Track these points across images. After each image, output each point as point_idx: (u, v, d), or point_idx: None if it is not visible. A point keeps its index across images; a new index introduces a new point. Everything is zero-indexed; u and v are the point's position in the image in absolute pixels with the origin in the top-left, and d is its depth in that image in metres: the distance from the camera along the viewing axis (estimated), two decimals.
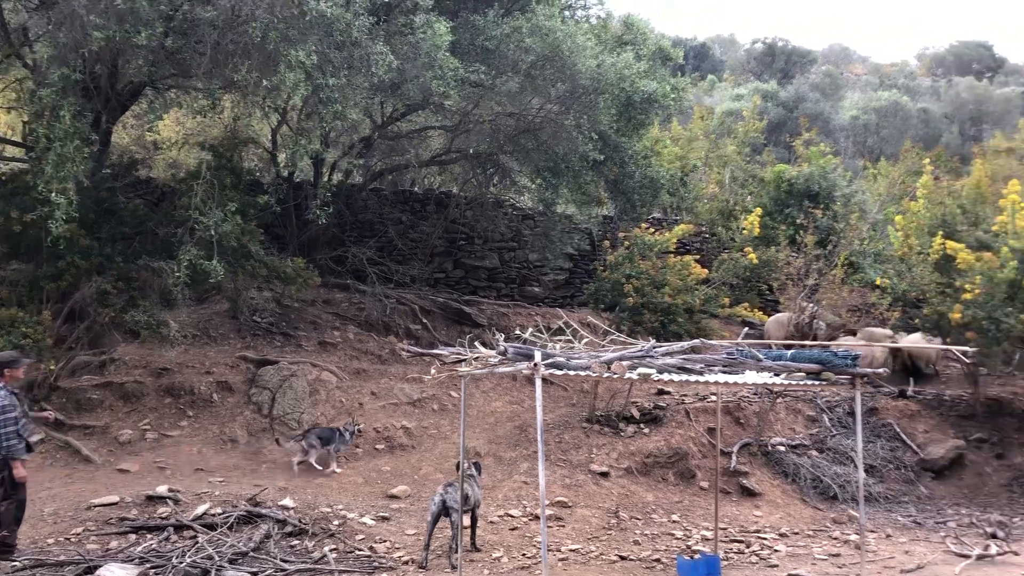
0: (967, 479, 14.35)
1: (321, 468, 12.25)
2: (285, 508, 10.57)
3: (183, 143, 14.83)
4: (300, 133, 13.18)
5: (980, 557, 10.49)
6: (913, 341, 15.67)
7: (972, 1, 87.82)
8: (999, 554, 10.62)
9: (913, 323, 16.46)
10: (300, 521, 10.31)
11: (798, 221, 18.19)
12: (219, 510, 10.30)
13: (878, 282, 16.53)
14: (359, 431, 12.89)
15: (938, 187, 16.78)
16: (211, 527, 9.87)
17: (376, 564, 9.45)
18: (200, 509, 10.29)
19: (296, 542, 9.95)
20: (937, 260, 15.09)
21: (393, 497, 11.66)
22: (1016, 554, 10.74)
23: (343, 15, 11.01)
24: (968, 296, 14.02)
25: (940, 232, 15.32)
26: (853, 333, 16.58)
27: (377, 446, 13.13)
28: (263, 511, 10.27)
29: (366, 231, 17.63)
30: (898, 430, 15.07)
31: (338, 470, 12.35)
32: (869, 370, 8.80)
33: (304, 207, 16.15)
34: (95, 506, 10.35)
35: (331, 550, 9.73)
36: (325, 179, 16.13)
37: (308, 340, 15.50)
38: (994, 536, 11.51)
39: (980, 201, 16.38)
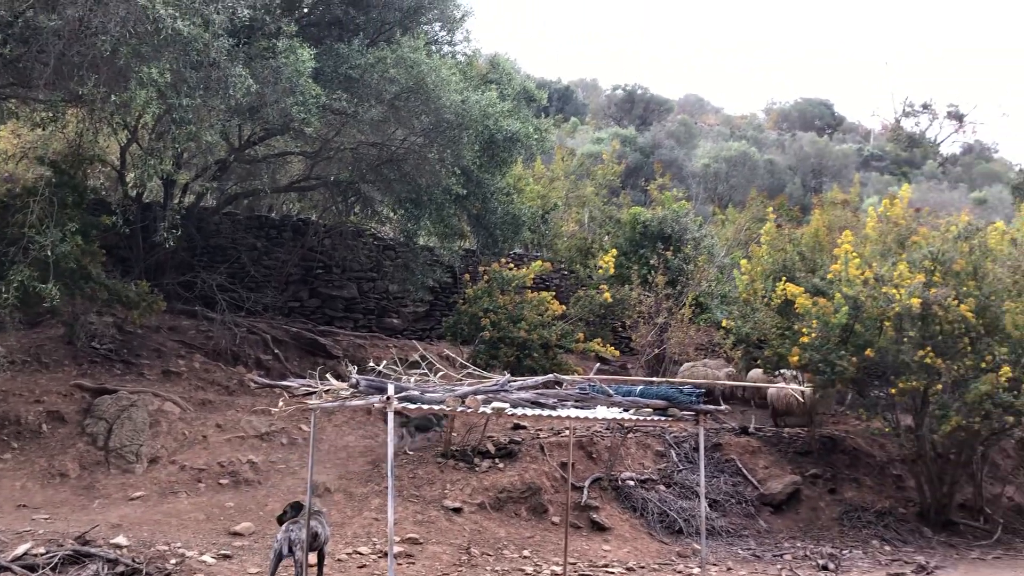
0: (803, 513, 15.06)
1: None
2: (118, 547, 9.95)
3: (21, 157, 13.94)
4: (151, 153, 12.63)
5: None
6: (752, 378, 16.39)
7: (815, 61, 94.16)
8: None
9: (755, 363, 17.24)
10: (134, 560, 9.72)
11: (651, 262, 18.80)
12: (42, 550, 9.58)
13: (724, 323, 17.24)
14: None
15: (780, 234, 17.70)
16: (32, 568, 9.16)
17: None
18: (21, 549, 9.53)
19: None
20: (778, 304, 15.87)
21: (236, 534, 11.19)
22: None
23: (201, 34, 10.68)
24: (805, 339, 14.79)
25: (783, 277, 16.16)
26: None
27: (221, 480, 12.58)
28: (92, 550, 9.62)
29: (218, 256, 17.02)
30: (740, 466, 15.68)
31: None
32: (712, 407, 9.12)
33: (153, 229, 15.44)
34: None
35: None
36: (176, 201, 15.52)
37: (151, 369, 14.77)
38: (825, 568, 12.11)
39: (818, 249, 17.37)
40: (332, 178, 15.98)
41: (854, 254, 15.38)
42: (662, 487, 14.58)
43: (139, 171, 12.19)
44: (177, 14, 10.31)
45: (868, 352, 14.51)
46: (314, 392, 8.41)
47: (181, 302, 16.18)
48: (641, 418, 8.86)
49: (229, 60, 11.20)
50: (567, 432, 14.46)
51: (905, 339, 14.37)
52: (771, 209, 20.21)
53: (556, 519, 13.01)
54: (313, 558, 9.68)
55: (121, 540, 10.13)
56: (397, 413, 12.87)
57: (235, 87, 11.16)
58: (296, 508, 9.95)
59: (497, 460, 13.99)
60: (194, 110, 10.93)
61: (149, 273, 15.42)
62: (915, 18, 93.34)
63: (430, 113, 13.84)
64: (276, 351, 16.14)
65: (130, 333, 15.15)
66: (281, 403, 8.92)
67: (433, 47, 15.48)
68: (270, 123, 13.38)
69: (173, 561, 9.91)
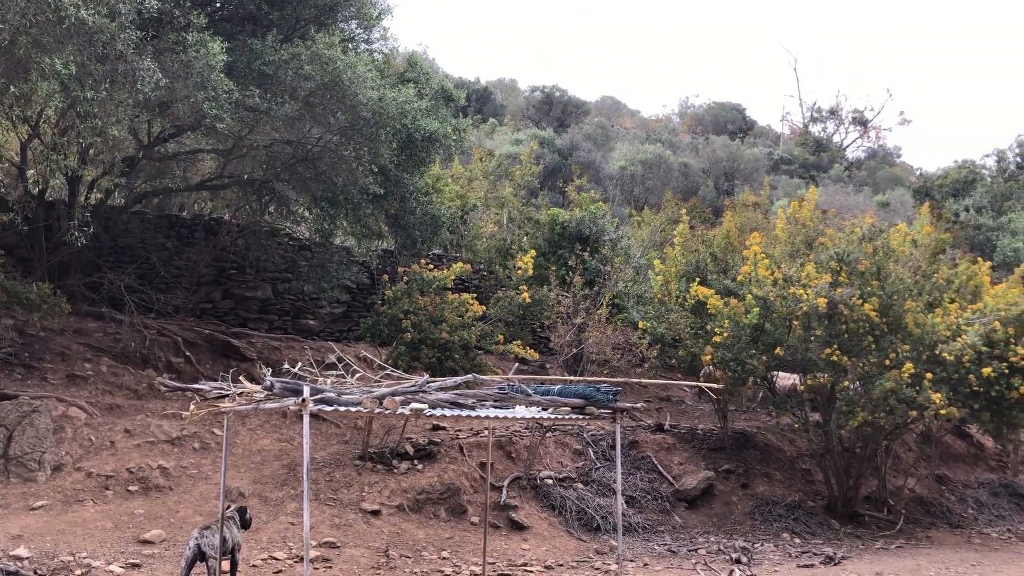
0: (716, 508, 15.41)
1: None
2: (18, 559, 9.56)
3: None
4: (54, 148, 12.16)
5: None
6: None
7: (727, 65, 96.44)
8: None
9: (670, 363, 17.56)
10: (36, 572, 9.38)
11: (569, 263, 18.95)
12: None
13: (640, 324, 17.50)
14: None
15: (693, 236, 18.07)
16: None
17: None
18: None
19: None
20: (692, 304, 16.21)
21: (146, 542, 10.86)
22: None
23: (107, 25, 10.32)
24: (718, 339, 15.14)
25: (696, 278, 16.49)
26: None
27: (130, 487, 12.19)
28: None
29: (126, 256, 16.47)
30: (656, 462, 15.95)
31: None
32: (628, 404, 9.24)
33: (56, 228, 14.87)
34: None
35: None
36: (82, 199, 14.95)
37: (55, 373, 14.20)
38: (738, 561, 12.40)
39: (729, 250, 17.78)
40: (246, 176, 15.63)
41: (763, 255, 15.80)
42: (580, 485, 14.72)
43: (41, 167, 11.68)
44: (81, 3, 9.96)
45: (778, 351, 14.94)
46: (227, 395, 8.21)
47: (87, 304, 15.62)
48: (559, 417, 8.92)
49: (137, 53, 10.86)
50: (486, 432, 14.47)
51: (812, 338, 14.83)
52: (685, 211, 20.60)
53: (475, 519, 13.01)
54: (226, 564, 9.48)
55: (22, 552, 9.74)
56: (313, 415, 12.69)
57: (143, 81, 10.82)
58: (241, 511, 9.74)
59: (416, 461, 13.91)
60: (100, 104, 10.55)
61: (52, 274, 14.83)
62: (823, 24, 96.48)
63: (346, 111, 13.66)
64: (188, 354, 15.71)
65: (32, 336, 14.56)
66: (192, 407, 8.67)
67: (350, 45, 15.29)
68: (181, 119, 13.01)
69: (78, 572, 9.59)
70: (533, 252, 18.39)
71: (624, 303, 19.35)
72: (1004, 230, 29.15)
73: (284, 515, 11.97)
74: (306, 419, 7.25)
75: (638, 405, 9.76)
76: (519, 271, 17.54)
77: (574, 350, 17.61)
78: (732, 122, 54.31)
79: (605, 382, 9.12)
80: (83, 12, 9.98)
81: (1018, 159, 37.38)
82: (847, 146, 56.36)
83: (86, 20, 10.01)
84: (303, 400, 7.19)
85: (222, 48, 11.84)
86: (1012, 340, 14.43)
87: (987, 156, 40.46)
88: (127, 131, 12.39)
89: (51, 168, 11.44)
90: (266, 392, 7.57)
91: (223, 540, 9.10)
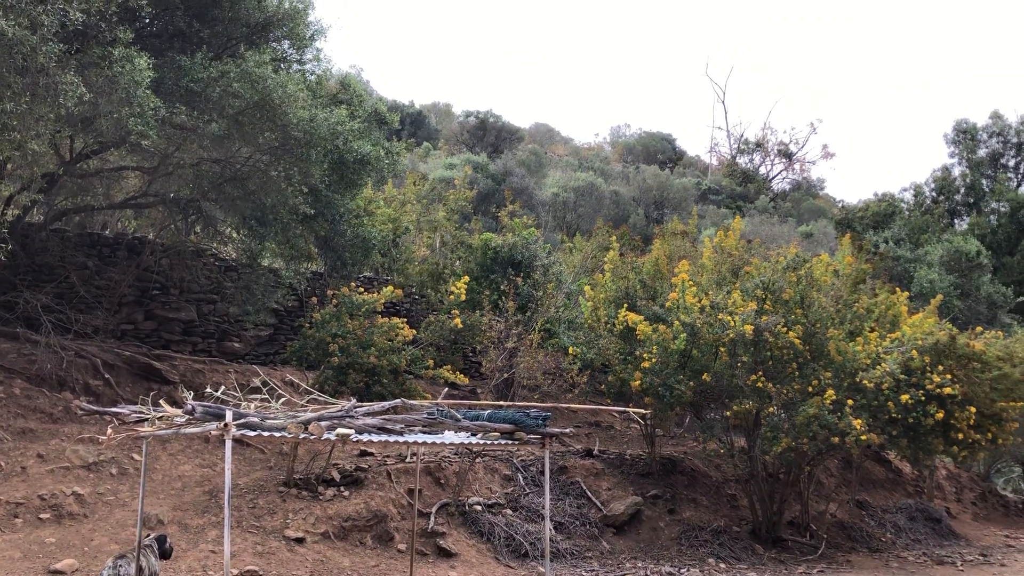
0: (644, 533, 15.49)
1: None
2: None
3: None
4: None
5: None
6: None
7: (658, 96, 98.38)
8: None
9: (600, 388, 17.65)
10: None
11: (502, 287, 18.98)
12: None
13: (570, 349, 17.59)
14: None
15: (623, 263, 18.27)
16: None
17: None
18: None
19: None
20: (621, 330, 16.35)
21: (57, 572, 10.43)
22: None
23: (28, 37, 10.02)
24: (646, 364, 15.29)
25: (625, 304, 16.66)
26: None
27: (41, 515, 11.70)
28: None
29: (44, 275, 15.90)
30: (584, 488, 15.98)
31: None
32: (557, 430, 9.26)
33: None
34: None
35: None
36: None
37: None
38: None
39: (658, 277, 18.02)
40: (172, 195, 15.27)
41: (691, 283, 16.06)
42: (509, 511, 14.65)
43: None
44: (0, 14, 9.65)
45: (705, 376, 15.15)
46: (147, 419, 7.97)
47: (0, 324, 15.03)
48: (488, 442, 8.88)
49: (59, 66, 10.55)
50: (414, 458, 14.32)
51: (739, 364, 15.10)
52: (615, 238, 20.83)
53: (402, 546, 12.83)
54: None
55: None
56: (236, 441, 12.37)
57: (66, 95, 10.50)
58: (160, 540, 9.43)
59: (342, 488, 13.68)
60: (19, 117, 10.21)
61: None
62: (750, 57, 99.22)
63: (276, 130, 13.48)
64: (107, 376, 15.21)
65: None
66: (110, 431, 8.39)
67: (281, 64, 15.12)
68: (105, 135, 12.67)
69: None
70: (466, 277, 18.37)
71: (555, 328, 19.43)
72: (921, 262, 30.21)
73: (205, 543, 11.62)
74: (228, 444, 7.08)
75: (567, 430, 9.78)
76: (452, 296, 17.49)
77: (505, 375, 17.59)
78: (662, 152, 55.38)
79: (535, 407, 9.12)
80: (2, 22, 9.68)
81: (933, 194, 38.85)
82: (773, 177, 57.94)
83: (5, 31, 9.70)
84: (225, 424, 7.01)
85: (149, 64, 11.59)
86: (928, 368, 14.90)
87: (905, 190, 41.99)
88: (48, 146, 12.00)
89: None
90: (187, 416, 7.37)
91: (139, 570, 8.80)
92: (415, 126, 45.88)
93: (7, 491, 11.90)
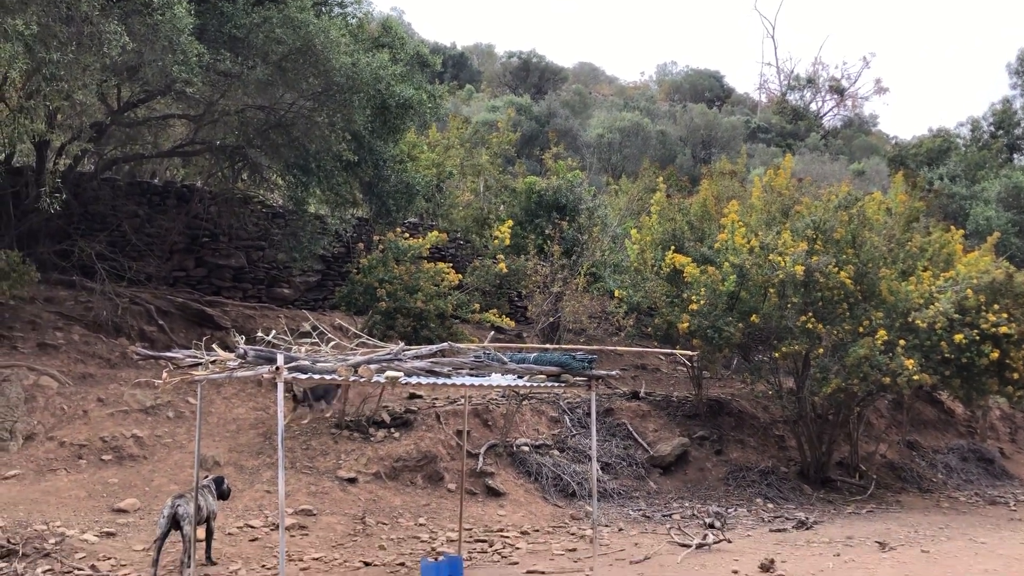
0: (691, 474, 15.55)
1: None
2: None
3: None
4: (20, 112, 11.88)
5: (699, 546, 11.37)
6: None
7: (706, 32, 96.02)
8: (715, 542, 11.57)
9: (646, 331, 17.62)
10: (9, 541, 9.30)
11: (546, 232, 18.91)
12: None
13: (616, 292, 17.53)
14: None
15: (670, 204, 18.06)
16: None
17: None
18: None
19: (3, 564, 8.96)
20: (668, 273, 16.24)
21: (121, 511, 10.81)
22: (729, 541, 11.75)
23: None
24: (694, 307, 15.19)
25: (672, 247, 16.50)
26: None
27: (104, 457, 12.10)
28: None
29: (96, 224, 16.21)
30: (631, 429, 16.05)
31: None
32: (604, 372, 9.26)
33: (24, 195, 14.61)
34: None
35: (45, 571, 8.85)
36: (51, 165, 14.66)
37: (25, 342, 14.01)
38: (712, 526, 12.54)
39: (706, 219, 17.81)
40: (218, 143, 15.38)
41: (740, 224, 15.84)
42: (556, 452, 14.79)
43: (7, 131, 11.42)
44: None
45: (753, 318, 15.03)
46: (200, 364, 8.13)
47: (57, 272, 15.39)
48: (535, 385, 8.92)
49: (103, 15, 10.60)
50: (462, 401, 14.48)
51: (788, 305, 14.93)
52: (662, 179, 20.57)
53: (452, 486, 13.05)
54: (201, 532, 9.46)
55: None
56: (290, 386, 12.61)
57: (110, 44, 10.57)
58: (218, 481, 9.75)
59: (392, 430, 13.91)
60: (66, 67, 10.30)
61: (21, 242, 14.57)
62: None
63: (319, 76, 13.44)
64: (161, 322, 15.55)
65: (1, 304, 14.34)
66: (165, 375, 8.58)
67: (323, 8, 15.02)
68: (150, 83, 12.76)
69: (52, 540, 9.51)
70: (510, 222, 18.32)
71: (601, 272, 19.36)
72: (977, 199, 29.39)
73: (260, 483, 11.94)
74: (280, 387, 7.20)
75: (613, 373, 9.79)
76: (496, 240, 17.47)
77: (551, 319, 17.63)
78: (710, 90, 54.21)
79: (581, 350, 9.13)
80: None
81: (992, 128, 37.55)
82: (824, 115, 56.51)
83: None
84: (277, 368, 7.12)
85: (190, 11, 11.59)
86: (983, 308, 14.58)
87: (962, 125, 40.56)
88: (95, 96, 12.13)
89: (18, 132, 11.19)
90: (240, 360, 7.49)
91: (198, 508, 9.07)
92: (457, 68, 45.43)
93: (71, 433, 12.32)
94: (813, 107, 56.57)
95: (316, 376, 7.51)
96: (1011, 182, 29.44)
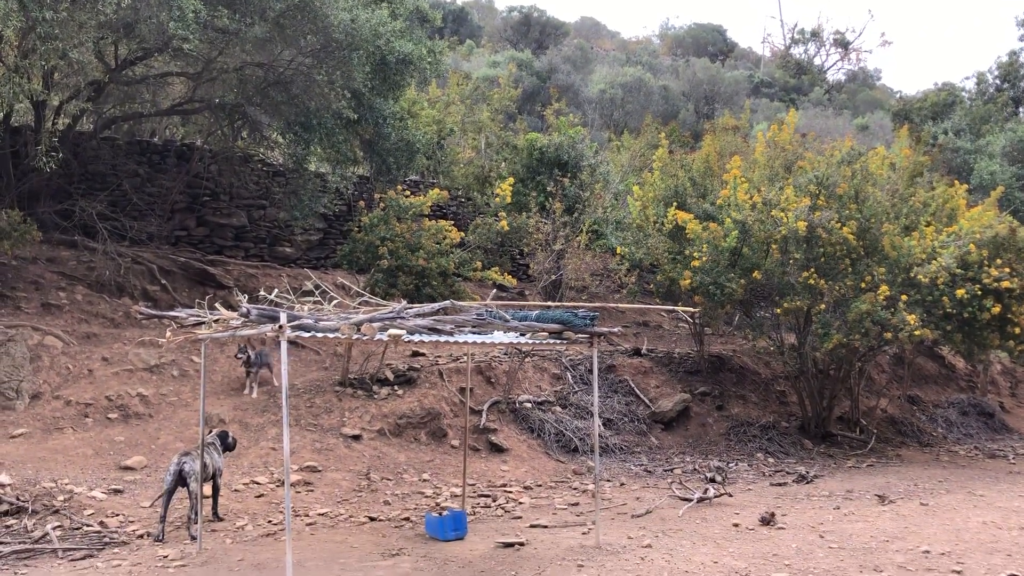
0: (692, 429, 15.67)
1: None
2: (0, 485, 9.58)
3: None
4: (16, 71, 11.79)
5: (700, 500, 11.49)
6: None
7: None
8: (716, 496, 11.70)
9: (648, 288, 17.63)
10: (18, 499, 9.42)
11: (548, 189, 18.82)
12: None
13: (618, 249, 17.50)
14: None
15: (673, 160, 17.95)
16: None
17: (107, 540, 8.83)
18: None
19: (13, 521, 9.10)
20: (670, 229, 16.19)
21: (127, 468, 10.93)
22: (730, 495, 11.87)
23: None
24: (696, 263, 15.17)
25: (674, 203, 16.44)
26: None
27: (110, 415, 12.21)
28: None
29: (97, 183, 16.17)
30: (633, 385, 16.14)
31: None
32: (605, 329, 9.28)
33: (23, 154, 14.55)
34: None
35: (54, 527, 8.97)
36: (49, 124, 14.58)
37: (28, 302, 14.06)
38: (713, 480, 12.66)
39: (708, 175, 17.71)
40: (217, 101, 15.27)
41: (743, 179, 15.76)
42: (558, 408, 14.89)
43: (4, 90, 11.33)
44: None
45: (755, 274, 15.02)
46: (204, 322, 8.15)
47: (59, 232, 15.39)
48: (537, 342, 8.95)
49: None
50: (465, 358, 14.55)
51: (790, 261, 14.91)
52: (664, 135, 20.41)
53: (455, 442, 13.17)
54: (207, 489, 9.57)
55: (4, 478, 9.77)
56: (291, 343, 12.65)
57: (104, 1, 10.45)
58: (223, 436, 9.89)
59: (396, 387, 14.00)
60: (60, 25, 10.20)
61: (22, 201, 14.56)
62: None
63: (318, 32, 13.30)
64: (163, 281, 15.58)
65: (3, 265, 14.37)
66: (169, 334, 8.62)
67: None
68: (147, 41, 12.64)
69: (61, 498, 9.63)
70: (511, 179, 18.24)
71: (603, 229, 19.31)
72: (982, 153, 29.20)
73: (265, 440, 12.05)
74: (283, 345, 7.23)
75: (615, 329, 9.81)
76: (497, 198, 17.41)
77: (553, 277, 17.63)
78: (713, 44, 53.62)
79: (583, 307, 9.14)
80: None
81: (997, 81, 37.19)
82: (828, 68, 55.93)
83: None
84: (280, 326, 7.14)
85: None
86: (986, 262, 14.55)
87: (967, 79, 40.32)
88: (92, 54, 12.03)
89: (15, 91, 11.11)
90: (243, 319, 7.51)
91: (204, 465, 9.17)
92: (457, 23, 44.89)
93: (77, 392, 12.41)
94: (817, 61, 56.01)
95: (319, 334, 7.54)
96: (1016, 136, 29.24)
